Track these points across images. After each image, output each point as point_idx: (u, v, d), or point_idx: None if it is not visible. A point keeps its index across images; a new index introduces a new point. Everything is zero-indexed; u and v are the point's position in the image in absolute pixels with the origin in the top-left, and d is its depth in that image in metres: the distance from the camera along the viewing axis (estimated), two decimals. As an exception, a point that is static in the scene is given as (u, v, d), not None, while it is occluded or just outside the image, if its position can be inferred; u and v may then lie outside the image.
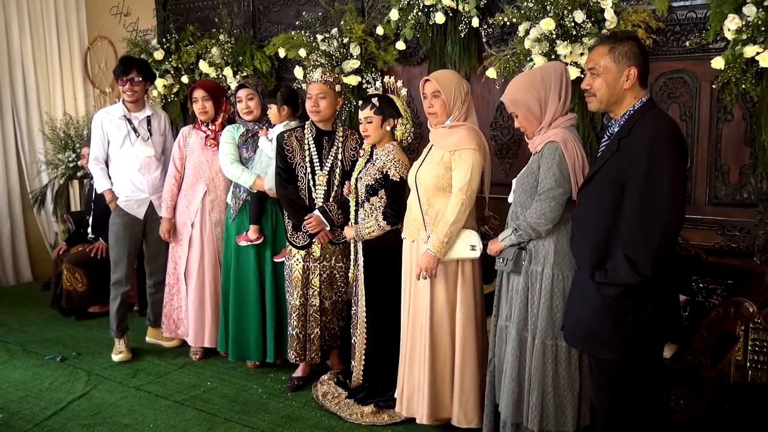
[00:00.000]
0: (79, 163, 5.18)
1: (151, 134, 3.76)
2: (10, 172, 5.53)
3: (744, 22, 2.72)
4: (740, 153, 3.03)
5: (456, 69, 3.56)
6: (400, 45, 3.74)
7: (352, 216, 3.15)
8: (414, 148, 3.75)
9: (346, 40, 3.82)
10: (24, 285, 5.56)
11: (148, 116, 3.76)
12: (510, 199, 2.60)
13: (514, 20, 3.26)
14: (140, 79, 3.66)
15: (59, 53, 5.78)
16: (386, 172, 2.97)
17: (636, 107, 2.11)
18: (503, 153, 3.64)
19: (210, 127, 3.68)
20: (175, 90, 4.71)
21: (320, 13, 4.03)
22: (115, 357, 3.76)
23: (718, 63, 2.81)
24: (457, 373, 2.75)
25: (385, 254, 3.02)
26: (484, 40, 3.55)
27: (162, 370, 3.62)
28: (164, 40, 4.67)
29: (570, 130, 2.40)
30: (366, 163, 3.12)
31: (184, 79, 4.62)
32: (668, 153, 1.99)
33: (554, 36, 3.06)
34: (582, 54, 3.03)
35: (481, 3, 3.43)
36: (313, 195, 3.24)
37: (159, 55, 4.59)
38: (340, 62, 3.84)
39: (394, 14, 3.64)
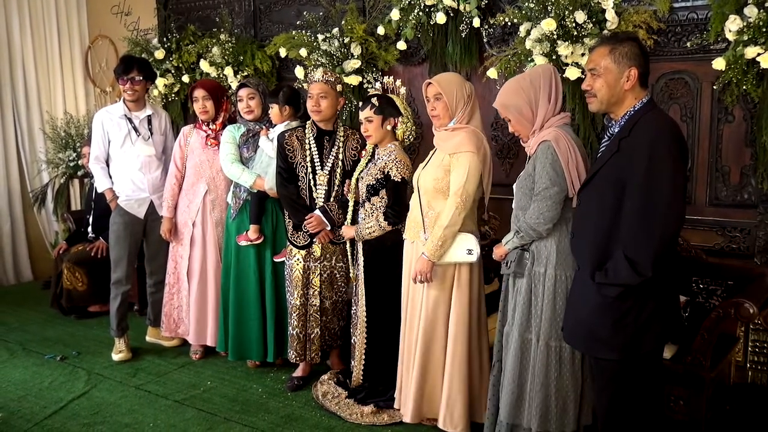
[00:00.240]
0: (79, 162, 5.18)
1: (151, 133, 3.76)
2: (11, 171, 5.53)
3: (745, 23, 2.72)
4: (741, 154, 3.03)
5: (457, 69, 3.57)
6: (401, 45, 3.74)
7: (350, 215, 3.15)
8: (415, 147, 3.75)
9: (347, 40, 3.82)
10: (24, 284, 5.56)
11: (149, 115, 3.76)
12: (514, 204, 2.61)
13: (515, 20, 3.26)
14: (141, 78, 3.66)
15: (60, 52, 5.78)
16: (387, 172, 2.97)
17: (636, 108, 2.11)
18: (504, 153, 3.64)
19: (211, 126, 3.68)
20: (175, 89, 4.71)
21: (321, 13, 4.03)
22: (115, 356, 3.76)
23: (719, 64, 2.81)
24: (446, 376, 2.74)
25: (385, 254, 3.02)
26: (485, 40, 3.55)
27: (162, 370, 3.62)
28: (165, 39, 4.67)
29: (563, 129, 2.40)
30: (367, 163, 3.12)
31: (185, 78, 4.62)
32: (669, 153, 1.99)
33: (555, 36, 3.06)
34: (583, 54, 3.02)
35: (482, 3, 3.43)
36: (314, 195, 3.25)
37: (160, 54, 4.59)
38: (341, 62, 3.84)
39: (395, 14, 3.64)
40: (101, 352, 3.87)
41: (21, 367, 3.68)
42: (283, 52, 4.10)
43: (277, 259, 3.47)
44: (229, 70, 4.33)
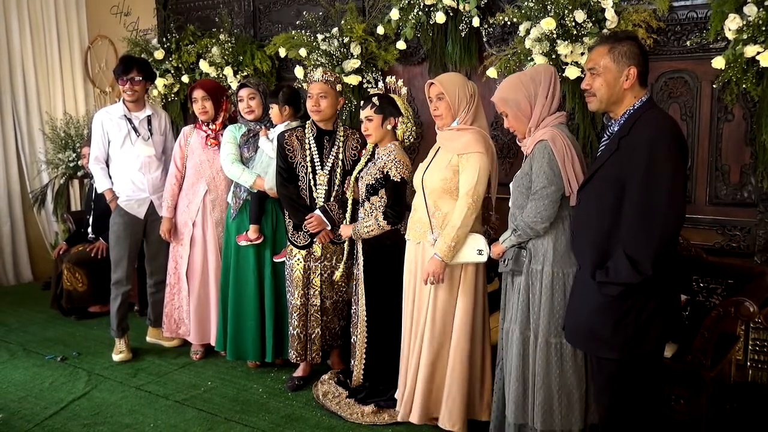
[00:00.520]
0: (79, 162, 5.18)
1: (151, 134, 3.76)
2: (11, 172, 5.53)
3: (745, 22, 2.72)
4: (741, 153, 3.03)
5: (456, 69, 3.57)
6: (401, 44, 3.74)
7: (348, 215, 3.15)
8: (415, 147, 3.75)
9: (346, 40, 3.82)
10: (24, 285, 5.56)
11: (149, 116, 3.76)
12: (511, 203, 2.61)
13: (515, 20, 3.26)
14: (140, 78, 3.66)
15: (59, 53, 5.78)
16: (387, 172, 2.97)
17: (636, 107, 2.11)
18: (504, 153, 3.64)
19: (210, 126, 3.68)
20: (175, 89, 4.71)
21: (321, 13, 4.03)
22: (116, 357, 3.76)
23: (718, 63, 2.81)
24: (447, 375, 2.75)
25: (384, 253, 3.03)
26: (484, 39, 3.55)
27: (162, 370, 3.62)
28: (164, 39, 4.67)
29: (559, 128, 2.41)
30: (367, 162, 3.12)
31: (185, 78, 4.62)
32: (668, 152, 1.99)
33: (555, 36, 3.06)
34: (582, 54, 3.03)
35: (482, 2, 3.43)
36: (314, 195, 3.24)
37: (159, 54, 4.59)
38: (340, 62, 3.84)
39: (394, 14, 3.64)
40: (102, 352, 3.87)
41: (21, 367, 3.68)
42: (282, 52, 4.10)
43: (277, 260, 3.46)
44: (228, 70, 4.33)
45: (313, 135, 3.26)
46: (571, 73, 3.03)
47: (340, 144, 3.27)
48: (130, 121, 3.71)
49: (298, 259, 3.28)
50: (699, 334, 2.54)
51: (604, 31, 3.01)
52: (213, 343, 3.75)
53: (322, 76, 3.19)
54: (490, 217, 2.91)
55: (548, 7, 3.09)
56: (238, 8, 4.62)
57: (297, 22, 4.14)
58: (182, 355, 3.83)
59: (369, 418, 2.96)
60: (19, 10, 5.48)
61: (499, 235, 2.63)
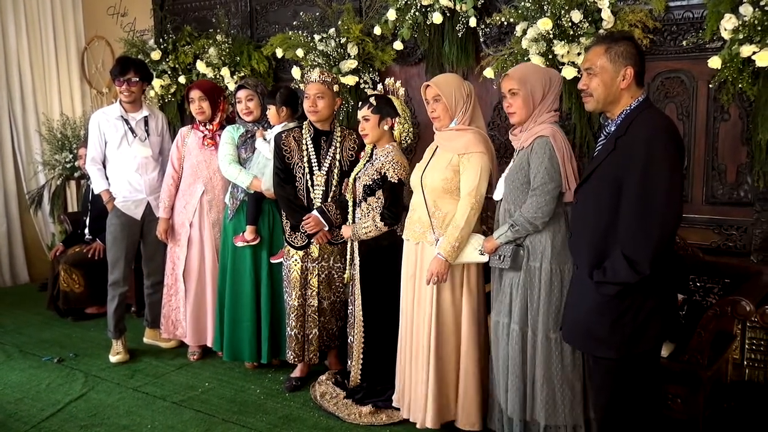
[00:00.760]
0: (76, 163, 5.18)
1: (148, 134, 3.75)
2: (7, 173, 5.52)
3: (740, 22, 2.72)
4: (737, 152, 3.03)
5: (453, 69, 3.57)
6: (398, 45, 3.74)
7: (350, 216, 3.15)
8: (412, 148, 3.75)
9: (343, 40, 3.82)
10: (21, 286, 5.55)
11: (146, 116, 3.76)
12: (496, 197, 2.62)
13: (512, 20, 3.26)
14: (137, 79, 3.66)
15: (56, 53, 5.77)
16: (384, 173, 2.97)
17: (632, 106, 2.12)
18: (501, 153, 3.62)
19: (207, 127, 3.68)
20: (172, 90, 4.71)
21: (318, 13, 4.03)
22: (113, 358, 3.75)
23: (714, 62, 2.82)
24: (461, 377, 2.75)
25: (381, 254, 3.03)
26: (481, 40, 3.55)
27: (160, 371, 3.61)
28: (161, 40, 4.67)
29: (556, 126, 2.47)
30: (365, 163, 3.12)
31: (182, 79, 4.61)
32: (665, 152, 1.99)
33: (551, 36, 3.07)
34: (579, 54, 3.03)
35: (479, 3, 3.44)
36: (312, 195, 3.24)
37: (156, 55, 4.58)
38: (337, 62, 3.84)
39: (391, 14, 3.64)
40: (98, 353, 3.86)
41: (18, 369, 3.67)
42: (279, 53, 4.10)
43: (274, 261, 3.46)
44: (225, 71, 4.32)
45: (310, 135, 3.25)
46: (568, 73, 3.03)
47: (338, 144, 3.27)
48: (126, 122, 3.70)
49: (296, 260, 3.27)
50: (696, 333, 2.54)
51: (601, 31, 3.02)
52: (209, 345, 3.75)
53: (319, 76, 3.19)
54: (486, 216, 2.92)
55: (545, 7, 3.09)
56: (235, 9, 4.62)
57: (294, 23, 4.14)
58: (179, 356, 3.82)
59: (367, 418, 2.96)
60: (16, 10, 5.48)
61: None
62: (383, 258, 3.02)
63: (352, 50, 3.81)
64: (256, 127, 3.52)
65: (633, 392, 2.13)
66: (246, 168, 3.46)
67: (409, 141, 3.11)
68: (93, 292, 4.50)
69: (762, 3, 2.67)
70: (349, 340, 3.20)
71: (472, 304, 2.75)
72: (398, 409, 2.96)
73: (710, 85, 2.97)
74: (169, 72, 4.64)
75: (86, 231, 4.67)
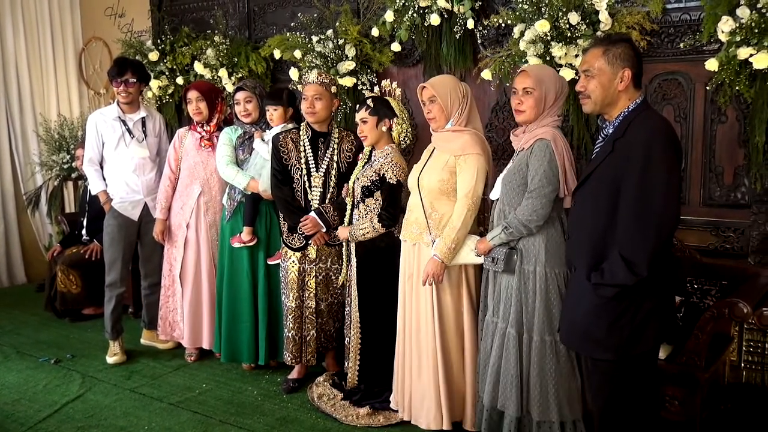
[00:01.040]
0: (73, 164, 5.16)
1: (145, 135, 3.75)
2: (4, 174, 5.51)
3: (738, 24, 2.73)
4: (734, 154, 3.04)
5: (451, 71, 3.58)
6: (396, 46, 3.74)
7: (347, 217, 3.15)
8: (410, 149, 3.75)
9: (341, 42, 3.82)
10: (18, 287, 5.53)
11: (143, 117, 3.75)
12: (492, 197, 2.62)
13: (509, 22, 3.26)
14: (135, 80, 3.65)
15: (53, 54, 5.75)
16: (383, 174, 2.97)
17: (630, 108, 2.12)
18: (498, 154, 3.64)
19: (205, 128, 3.67)
20: (169, 91, 4.70)
21: (315, 15, 4.02)
22: (110, 359, 3.74)
23: (712, 65, 2.82)
24: (468, 378, 2.76)
25: (378, 255, 3.02)
26: (479, 41, 3.55)
27: (157, 372, 3.61)
28: (159, 41, 4.66)
29: (557, 130, 2.48)
30: (364, 165, 3.12)
31: (179, 80, 4.61)
32: (663, 154, 1.99)
33: (549, 38, 3.07)
34: (577, 56, 3.04)
35: (476, 5, 3.44)
36: (309, 197, 3.24)
37: (154, 56, 4.58)
38: (335, 63, 3.84)
39: (389, 16, 3.64)
40: (96, 354, 3.85)
41: (15, 370, 3.66)
42: (277, 54, 4.10)
43: (271, 262, 3.46)
44: (223, 72, 4.32)
45: (307, 137, 3.25)
46: (566, 74, 3.03)
47: (335, 146, 3.27)
48: (124, 122, 3.70)
49: (293, 261, 3.27)
50: (693, 335, 2.54)
51: (598, 33, 3.02)
52: (206, 346, 3.74)
53: (317, 77, 3.19)
54: (483, 218, 2.92)
55: (542, 9, 3.10)
56: (232, 10, 4.61)
57: (292, 24, 4.14)
58: (177, 357, 3.81)
59: (364, 420, 2.96)
60: (13, 11, 5.46)
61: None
62: (380, 259, 3.01)
63: (350, 52, 3.81)
64: (254, 129, 3.52)
65: (630, 394, 2.13)
66: (243, 169, 3.46)
67: (407, 142, 3.11)
68: (90, 293, 4.49)
69: (759, 5, 2.68)
70: (345, 342, 3.20)
71: (472, 305, 2.75)
72: (396, 411, 2.96)
73: (707, 88, 2.97)
74: (167, 73, 4.64)
75: (83, 232, 4.66)
